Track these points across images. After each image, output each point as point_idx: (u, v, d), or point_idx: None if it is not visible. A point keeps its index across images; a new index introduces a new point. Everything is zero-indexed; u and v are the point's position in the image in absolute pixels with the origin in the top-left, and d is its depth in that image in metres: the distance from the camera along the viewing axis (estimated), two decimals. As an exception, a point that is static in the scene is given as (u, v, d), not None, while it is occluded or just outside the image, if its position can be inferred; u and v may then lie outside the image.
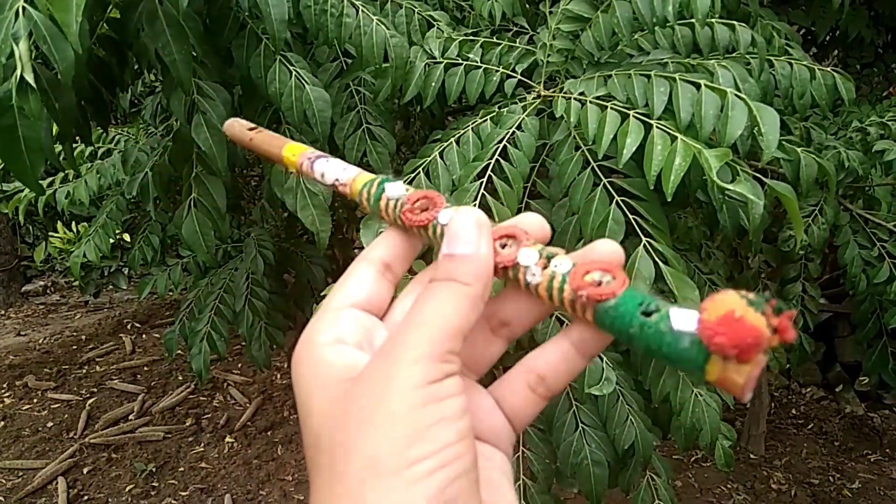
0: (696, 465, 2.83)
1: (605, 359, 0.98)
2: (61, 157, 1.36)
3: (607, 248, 0.29)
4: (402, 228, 0.33)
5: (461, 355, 0.28)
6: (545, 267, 0.29)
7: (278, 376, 3.66)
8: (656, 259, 0.83)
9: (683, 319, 0.24)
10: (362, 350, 0.30)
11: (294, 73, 1.01)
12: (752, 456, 2.88)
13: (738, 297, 0.23)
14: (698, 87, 0.84)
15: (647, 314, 0.25)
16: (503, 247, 0.30)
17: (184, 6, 0.82)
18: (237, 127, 0.42)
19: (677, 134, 0.81)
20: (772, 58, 1.03)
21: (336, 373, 0.28)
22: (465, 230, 0.29)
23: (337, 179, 0.36)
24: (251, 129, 0.41)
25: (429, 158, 1.01)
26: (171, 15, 0.88)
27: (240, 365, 3.83)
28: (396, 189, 0.34)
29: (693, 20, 0.97)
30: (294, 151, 0.38)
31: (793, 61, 1.03)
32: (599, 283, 0.27)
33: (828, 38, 2.35)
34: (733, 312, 0.23)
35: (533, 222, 0.31)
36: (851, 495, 2.62)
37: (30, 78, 0.73)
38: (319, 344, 0.29)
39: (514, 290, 0.32)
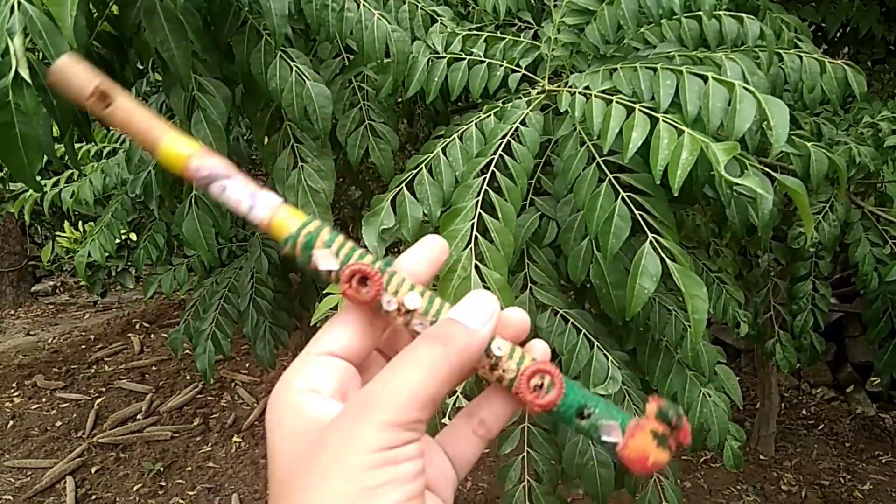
0: (706, 466, 2.80)
1: (610, 357, 0.96)
2: (64, 157, 1.35)
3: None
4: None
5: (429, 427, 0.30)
6: (494, 368, 0.31)
7: (285, 376, 3.66)
8: (663, 256, 0.82)
9: (608, 432, 0.30)
10: (336, 400, 0.30)
11: (295, 68, 1.00)
12: (761, 457, 2.85)
13: (650, 440, 0.30)
14: (705, 79, 0.82)
15: (582, 417, 0.31)
16: None
17: (181, 1, 0.81)
18: (76, 73, 0.30)
19: (684, 127, 0.79)
20: (781, 51, 1.01)
21: (305, 424, 0.28)
22: (483, 309, 0.30)
23: (250, 208, 0.30)
24: (103, 93, 0.29)
25: (431, 155, 1.00)
26: (170, 10, 0.87)
27: (247, 364, 3.83)
28: (326, 260, 0.30)
29: (700, 13, 0.96)
30: (177, 150, 0.30)
31: (803, 54, 1.01)
32: (541, 387, 0.31)
33: (838, 34, 2.32)
34: (646, 457, 0.30)
35: (515, 317, 0.33)
36: (862, 497, 2.59)
37: (25, 73, 0.73)
38: (294, 391, 0.30)
39: (493, 389, 0.34)
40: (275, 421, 0.29)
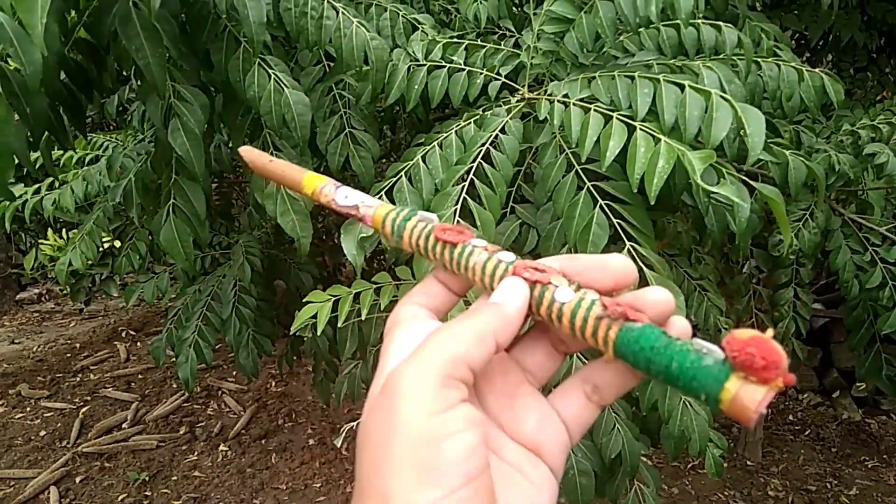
0: (693, 472, 2.80)
1: (590, 366, 0.96)
2: (39, 164, 1.34)
3: (658, 297, 0.30)
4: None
5: (479, 383, 0.33)
6: (577, 290, 0.30)
7: (273, 384, 3.64)
8: (641, 264, 0.81)
9: (708, 345, 0.26)
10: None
11: (273, 76, 0.99)
12: (748, 463, 2.85)
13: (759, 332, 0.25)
14: (682, 88, 0.82)
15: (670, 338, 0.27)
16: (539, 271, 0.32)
17: (156, 8, 0.80)
18: (255, 153, 0.42)
19: (661, 136, 0.79)
20: (759, 59, 1.02)
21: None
22: (514, 291, 0.31)
23: (362, 202, 0.38)
24: (269, 158, 0.41)
25: (411, 162, 0.99)
26: (145, 17, 0.87)
27: (234, 373, 3.80)
28: (426, 216, 0.36)
29: (678, 21, 0.96)
30: (315, 179, 0.39)
31: (781, 63, 1.02)
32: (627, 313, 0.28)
33: (821, 42, 2.34)
34: (761, 336, 0.25)
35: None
36: (849, 501, 2.59)
37: (-5, 81, 0.72)
38: (405, 314, 0.35)
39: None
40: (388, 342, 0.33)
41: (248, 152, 0.42)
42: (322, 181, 0.39)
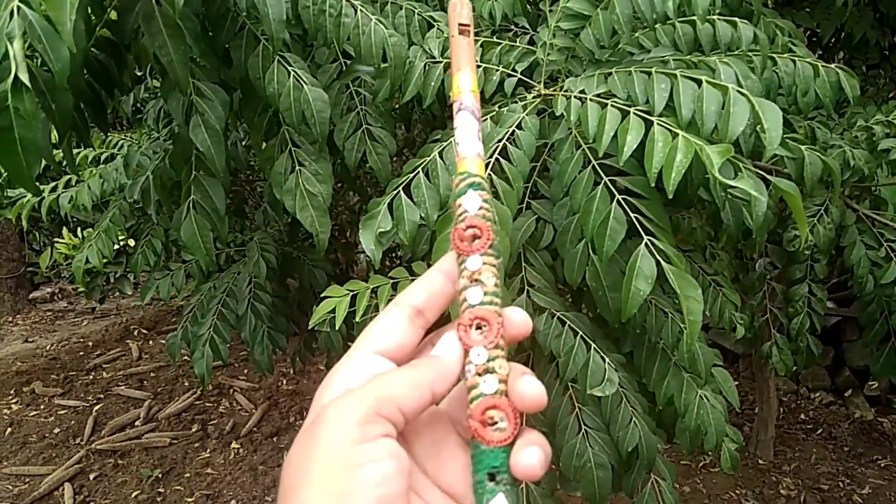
0: (704, 471, 2.80)
1: (607, 360, 0.96)
2: (63, 162, 1.36)
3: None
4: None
5: (407, 431, 0.32)
6: (480, 374, 0.32)
7: (284, 382, 3.65)
8: (658, 258, 0.82)
9: None
10: None
11: (292, 73, 1.00)
12: (760, 462, 2.85)
13: None
14: (699, 83, 0.83)
15: (491, 477, 0.31)
16: (478, 327, 0.33)
17: (180, 6, 0.82)
18: (462, 12, 0.39)
19: (678, 131, 0.80)
20: (775, 55, 1.02)
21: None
22: (451, 347, 0.33)
23: (457, 145, 0.37)
24: (463, 27, 0.38)
25: (428, 158, 1.00)
26: (168, 15, 0.88)
27: (246, 371, 3.83)
28: (472, 201, 0.35)
29: (694, 17, 0.96)
30: (460, 84, 0.37)
31: (796, 58, 1.02)
32: (494, 424, 0.31)
33: (833, 39, 2.33)
34: None
35: (516, 318, 0.35)
36: (861, 501, 2.59)
37: (24, 77, 0.73)
38: (332, 388, 0.33)
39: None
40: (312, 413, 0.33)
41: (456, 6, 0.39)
42: (456, 93, 0.38)
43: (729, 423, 1.08)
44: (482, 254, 0.33)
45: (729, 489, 2.69)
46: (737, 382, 3.43)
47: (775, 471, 2.80)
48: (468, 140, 0.36)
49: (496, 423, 0.31)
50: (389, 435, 0.30)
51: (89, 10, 0.90)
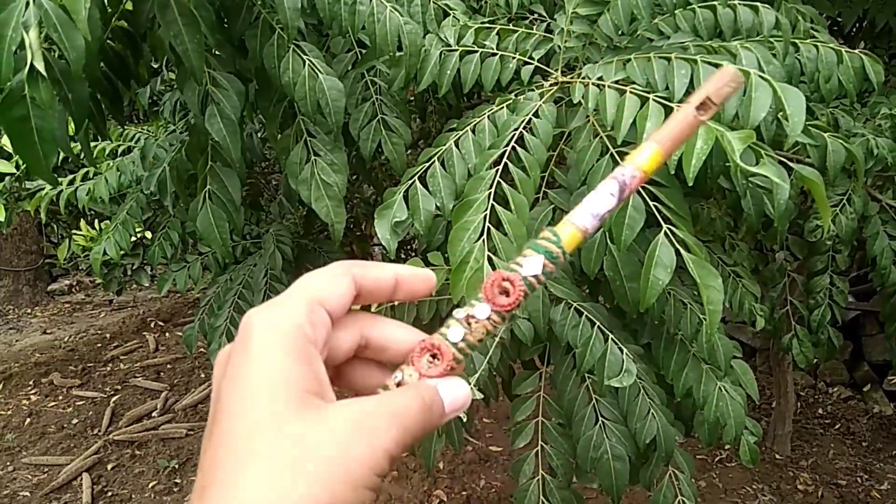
0: (721, 465, 2.78)
1: (625, 351, 0.95)
2: (80, 154, 1.36)
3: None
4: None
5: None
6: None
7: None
8: (677, 246, 0.81)
9: None
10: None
11: (307, 62, 1.00)
12: (777, 456, 2.82)
13: None
14: (720, 68, 0.81)
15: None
16: (433, 356, 0.33)
17: (195, -7, 0.81)
18: (723, 90, 0.34)
19: (699, 117, 0.78)
20: (797, 41, 1.00)
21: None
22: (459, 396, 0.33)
23: (576, 208, 0.34)
24: (709, 104, 0.33)
25: (444, 147, 1.00)
26: (183, 4, 0.88)
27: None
28: (533, 265, 0.33)
29: (714, 2, 0.95)
30: (637, 154, 0.34)
31: (819, 44, 1.00)
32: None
33: (854, 28, 2.29)
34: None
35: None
36: (880, 496, 2.56)
37: (40, 66, 0.73)
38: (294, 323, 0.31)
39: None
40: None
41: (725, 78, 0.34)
42: (627, 161, 0.34)
43: (747, 414, 1.07)
44: (495, 311, 0.33)
45: (745, 484, 2.67)
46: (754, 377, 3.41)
47: (792, 466, 2.78)
48: (587, 212, 0.33)
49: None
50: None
51: (105, 0, 0.90)
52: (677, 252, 0.81)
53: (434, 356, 0.33)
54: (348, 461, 0.26)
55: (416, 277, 0.35)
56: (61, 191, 1.84)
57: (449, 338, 0.33)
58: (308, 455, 0.26)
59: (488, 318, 0.33)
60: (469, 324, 0.33)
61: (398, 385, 0.32)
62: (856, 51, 0.99)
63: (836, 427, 3.05)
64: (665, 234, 0.82)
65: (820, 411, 3.19)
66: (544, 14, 1.25)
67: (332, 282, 0.32)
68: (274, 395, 0.27)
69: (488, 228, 0.85)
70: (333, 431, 0.27)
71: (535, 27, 1.14)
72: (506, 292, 0.33)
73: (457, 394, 0.32)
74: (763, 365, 3.47)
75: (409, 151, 1.69)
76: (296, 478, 0.25)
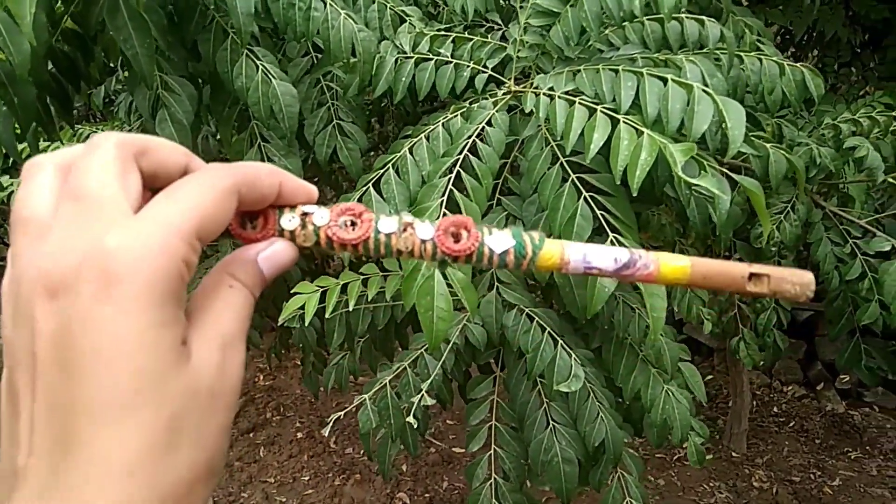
0: (679, 464, 2.83)
1: (573, 356, 0.97)
2: (25, 155, 1.34)
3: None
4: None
5: None
6: (305, 224, 0.31)
7: (261, 378, 3.64)
8: (623, 254, 0.83)
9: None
10: None
11: (261, 67, 1.00)
12: (734, 454, 2.89)
13: None
14: (665, 81, 0.83)
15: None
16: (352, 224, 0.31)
17: (143, -2, 0.81)
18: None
19: (644, 129, 0.81)
20: (741, 53, 1.03)
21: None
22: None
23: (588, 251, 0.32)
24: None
25: (398, 154, 1.00)
26: (133, 7, 0.87)
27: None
28: (502, 241, 0.32)
29: (662, 15, 0.97)
30: (673, 261, 0.32)
31: (763, 57, 1.03)
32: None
33: (805, 37, 2.36)
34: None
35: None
36: (832, 492, 2.63)
37: (-18, 70, 0.72)
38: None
39: None
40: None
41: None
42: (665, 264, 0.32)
43: (700, 416, 1.10)
44: (434, 242, 0.31)
45: (702, 482, 2.72)
46: (711, 376, 3.48)
47: (748, 463, 2.84)
48: (580, 252, 0.31)
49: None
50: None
51: (52, 2, 0.89)
52: (623, 260, 0.82)
53: (353, 223, 0.31)
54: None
55: (298, 191, 0.31)
56: (12, 192, 1.80)
57: (378, 225, 0.31)
58: (186, 413, 0.25)
59: (423, 242, 0.31)
60: (405, 229, 0.31)
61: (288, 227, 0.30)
62: (798, 64, 1.02)
63: (791, 425, 3.13)
64: (611, 242, 0.84)
65: (775, 409, 3.27)
66: (500, 22, 1.26)
67: (217, 207, 0.27)
68: (144, 358, 0.24)
69: (439, 236, 0.86)
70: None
71: (489, 35, 1.16)
72: (457, 238, 0.31)
73: (278, 256, 0.30)
74: (721, 364, 3.55)
75: (369, 153, 1.69)
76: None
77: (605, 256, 0.31)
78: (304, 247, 0.31)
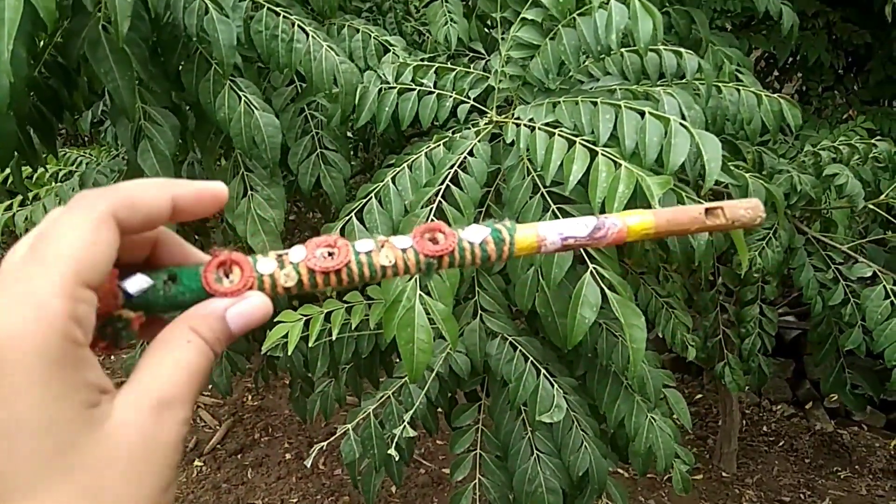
0: (668, 485, 2.81)
1: (555, 385, 0.97)
2: (8, 182, 1.34)
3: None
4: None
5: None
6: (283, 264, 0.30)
7: (249, 398, 3.61)
8: (602, 286, 0.83)
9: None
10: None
11: (243, 98, 1.00)
12: (724, 474, 2.88)
13: None
14: (643, 114, 0.84)
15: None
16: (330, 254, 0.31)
17: (124, 32, 0.81)
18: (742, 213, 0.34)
19: (622, 161, 0.81)
20: (720, 84, 1.04)
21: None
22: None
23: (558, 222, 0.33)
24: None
25: (381, 184, 1.01)
26: (114, 41, 0.87)
27: (210, 387, 3.76)
28: (476, 234, 0.32)
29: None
30: (634, 217, 0.33)
31: (741, 87, 1.04)
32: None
33: (789, 62, 2.39)
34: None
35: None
36: (822, 512, 2.63)
37: (-39, 106, 0.72)
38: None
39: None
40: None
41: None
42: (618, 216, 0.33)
43: (689, 435, 1.10)
44: (414, 249, 0.31)
45: (692, 502, 2.71)
46: (700, 395, 3.47)
47: (738, 483, 2.83)
48: (553, 228, 0.32)
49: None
50: None
51: (34, 36, 0.89)
52: (602, 291, 0.83)
53: (330, 253, 0.30)
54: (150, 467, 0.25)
55: (201, 200, 0.29)
56: (-2, 217, 1.79)
57: (356, 247, 0.30)
58: (104, 482, 0.23)
59: (403, 251, 0.31)
60: (382, 246, 0.31)
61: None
62: (775, 95, 1.04)
63: (780, 444, 3.12)
64: (591, 273, 0.84)
65: (764, 428, 3.26)
66: (483, 52, 1.27)
67: (91, 242, 0.24)
68: (46, 435, 0.22)
69: (420, 267, 0.86)
70: (118, 447, 0.24)
71: (472, 65, 1.17)
72: (434, 241, 0.31)
73: (249, 312, 0.29)
74: (710, 383, 3.54)
75: (354, 178, 1.69)
76: None
77: (577, 226, 0.32)
78: (286, 289, 0.30)
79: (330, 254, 0.30)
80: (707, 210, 0.33)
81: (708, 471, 2.87)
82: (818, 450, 3.05)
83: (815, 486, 2.79)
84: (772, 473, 2.89)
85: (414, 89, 1.10)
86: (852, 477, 2.84)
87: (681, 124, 0.81)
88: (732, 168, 0.99)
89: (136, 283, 0.28)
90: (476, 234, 0.32)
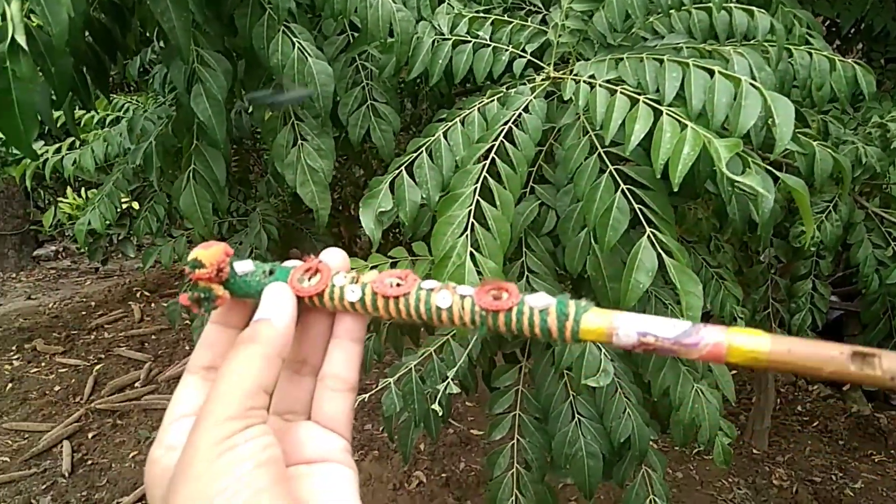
0: (698, 458, 2.81)
1: (603, 350, 0.96)
2: (60, 123, 1.35)
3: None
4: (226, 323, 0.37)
5: (272, 405, 0.34)
6: (355, 281, 0.34)
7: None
8: (660, 251, 0.81)
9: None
10: None
11: (297, 45, 0.99)
12: (754, 451, 2.86)
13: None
14: (712, 73, 0.81)
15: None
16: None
17: (183, -29, 0.80)
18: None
19: (687, 122, 0.78)
20: (791, 46, 0.99)
21: (165, 472, 0.32)
22: (271, 303, 0.34)
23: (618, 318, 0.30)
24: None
25: (432, 138, 0.99)
26: (172, -20, 0.86)
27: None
28: (540, 300, 0.32)
29: (710, 4, 0.94)
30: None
31: (812, 51, 0.99)
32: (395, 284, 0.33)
33: (852, 30, 2.28)
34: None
35: (334, 255, 0.37)
36: (853, 495, 2.59)
37: (21, 40, 0.72)
38: (155, 459, 0.33)
39: (301, 330, 0.36)
40: (147, 487, 0.33)
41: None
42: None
43: (725, 415, 1.08)
44: (477, 302, 0.32)
45: (721, 477, 2.70)
46: (735, 371, 3.44)
47: (769, 461, 2.81)
48: (633, 322, 0.29)
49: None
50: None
51: (92, -28, 0.89)
52: (659, 256, 0.80)
53: (398, 284, 0.33)
54: None
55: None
56: (46, 159, 1.82)
57: (422, 284, 0.33)
58: None
59: (462, 297, 0.32)
60: (444, 288, 0.33)
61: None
62: (849, 60, 0.99)
63: (815, 425, 3.08)
64: (648, 237, 0.82)
65: (799, 408, 3.22)
66: (540, 5, 1.23)
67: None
68: None
69: (472, 224, 0.85)
70: None
71: (529, 19, 1.13)
72: (497, 298, 0.32)
73: (274, 300, 0.34)
74: (745, 360, 3.50)
75: (400, 134, 1.67)
76: None
77: (665, 326, 0.29)
78: (351, 303, 0.34)
79: (398, 284, 0.33)
80: (856, 353, 0.26)
81: (739, 447, 2.85)
82: (853, 432, 3.01)
83: (847, 468, 2.76)
84: (804, 453, 2.86)
85: (469, 42, 1.07)
86: (887, 461, 2.80)
87: (752, 85, 0.77)
88: (799, 136, 0.95)
89: (244, 266, 0.35)
90: (540, 300, 0.31)
